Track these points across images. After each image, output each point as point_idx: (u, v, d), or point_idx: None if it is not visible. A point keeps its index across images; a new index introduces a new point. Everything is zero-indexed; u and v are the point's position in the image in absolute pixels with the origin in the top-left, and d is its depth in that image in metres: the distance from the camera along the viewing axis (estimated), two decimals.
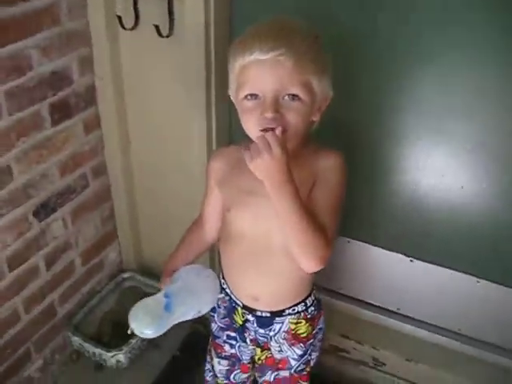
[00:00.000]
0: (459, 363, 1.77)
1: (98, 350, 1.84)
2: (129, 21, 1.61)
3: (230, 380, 1.53)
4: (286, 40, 1.04)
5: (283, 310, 1.33)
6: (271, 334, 1.37)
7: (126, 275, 2.13)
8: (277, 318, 1.34)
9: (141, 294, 2.07)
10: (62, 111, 1.65)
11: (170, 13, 1.54)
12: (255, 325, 1.36)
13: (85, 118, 1.75)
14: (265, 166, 1.02)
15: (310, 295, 1.36)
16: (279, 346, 1.38)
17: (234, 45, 1.13)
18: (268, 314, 1.33)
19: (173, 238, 1.99)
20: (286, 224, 1.08)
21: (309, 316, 1.36)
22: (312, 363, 1.46)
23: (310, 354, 1.42)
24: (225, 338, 1.45)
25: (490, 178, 1.50)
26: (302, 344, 1.38)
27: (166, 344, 2.02)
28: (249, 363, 1.50)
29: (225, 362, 1.50)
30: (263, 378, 1.47)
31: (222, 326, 1.44)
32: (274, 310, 1.33)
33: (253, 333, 1.39)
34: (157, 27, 1.56)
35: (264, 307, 1.33)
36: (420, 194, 1.61)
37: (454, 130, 1.47)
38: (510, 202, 1.51)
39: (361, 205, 1.65)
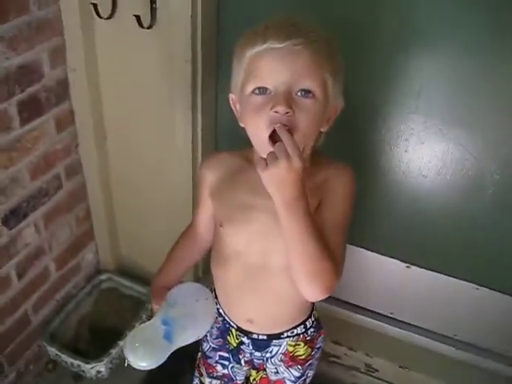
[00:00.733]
0: (454, 369, 1.73)
1: (76, 362, 1.73)
2: (105, 9, 1.46)
3: None
4: (304, 32, 0.94)
5: (281, 333, 1.23)
6: (267, 355, 1.28)
7: (103, 277, 2.01)
8: (274, 341, 1.25)
9: (119, 296, 1.99)
10: (31, 109, 1.50)
11: (152, 1, 1.39)
12: (251, 347, 1.27)
13: (57, 115, 1.60)
14: (280, 178, 0.88)
15: (310, 316, 1.27)
16: (275, 368, 1.30)
17: (243, 37, 1.00)
18: (265, 337, 1.24)
19: (152, 237, 1.92)
20: (294, 248, 0.94)
21: (308, 338, 1.27)
22: (308, 381, 1.38)
23: (307, 375, 1.34)
24: (217, 358, 1.35)
25: (494, 185, 1.43)
26: (299, 366, 1.29)
27: None
28: (242, 383, 1.41)
29: (217, 382, 1.40)
30: None
31: (215, 346, 1.34)
32: (271, 333, 1.23)
33: (248, 355, 1.30)
34: (137, 17, 1.41)
35: (260, 330, 1.23)
36: (417, 200, 1.55)
37: (457, 138, 1.40)
38: (509, 209, 1.46)
39: (356, 210, 1.56)
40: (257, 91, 0.95)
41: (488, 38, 1.24)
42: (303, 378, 1.33)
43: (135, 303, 1.96)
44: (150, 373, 1.86)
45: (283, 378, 1.31)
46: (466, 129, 1.38)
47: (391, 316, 1.81)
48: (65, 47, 1.55)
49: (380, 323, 1.80)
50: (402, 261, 1.67)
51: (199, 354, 1.44)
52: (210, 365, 1.38)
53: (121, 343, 1.76)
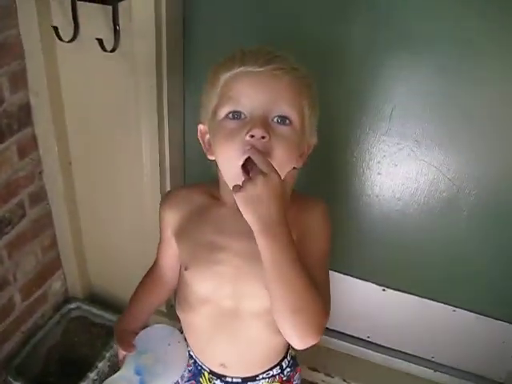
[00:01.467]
0: None
1: None
2: (67, 32, 1.41)
3: None
4: (282, 58, 0.90)
5: (256, 375, 1.16)
6: None
7: (72, 305, 1.94)
8: (249, 383, 1.17)
9: (89, 324, 1.93)
10: None
11: (115, 24, 1.35)
12: None
13: (19, 141, 1.54)
14: (257, 196, 0.79)
15: (286, 356, 1.19)
16: None
17: (217, 63, 0.94)
18: (239, 380, 1.16)
19: (121, 263, 1.87)
20: (277, 282, 0.83)
21: (284, 378, 1.19)
22: None
23: None
24: None
25: (468, 207, 1.41)
26: None
27: None
28: None
29: None
30: None
31: None
32: (246, 376, 1.16)
33: None
34: (100, 41, 1.37)
35: (234, 373, 1.15)
36: (391, 223, 1.52)
37: (431, 159, 1.38)
38: (487, 231, 1.44)
39: (332, 234, 1.53)
40: (230, 116, 0.88)
41: (458, 59, 1.23)
42: None
43: (106, 332, 1.90)
44: None
45: None
46: (439, 150, 1.36)
47: (368, 340, 1.78)
48: (26, 71, 1.49)
49: (357, 347, 1.77)
50: (377, 284, 1.64)
51: None
52: None
53: (91, 375, 1.70)
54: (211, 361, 1.15)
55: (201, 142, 1.01)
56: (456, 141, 1.34)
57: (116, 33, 1.36)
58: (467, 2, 1.16)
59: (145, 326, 1.16)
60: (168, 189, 1.60)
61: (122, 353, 1.13)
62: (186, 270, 1.06)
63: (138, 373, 1.03)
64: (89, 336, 1.91)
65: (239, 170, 0.85)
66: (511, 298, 1.52)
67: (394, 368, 1.75)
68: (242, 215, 0.89)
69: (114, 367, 1.81)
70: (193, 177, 1.67)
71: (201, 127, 0.99)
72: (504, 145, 1.31)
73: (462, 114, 1.30)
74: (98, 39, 1.37)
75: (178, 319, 1.19)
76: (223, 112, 0.89)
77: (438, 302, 1.60)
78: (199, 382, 1.21)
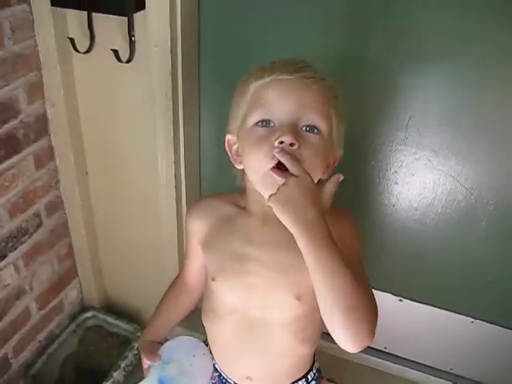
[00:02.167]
0: None
1: None
2: (83, 43, 1.43)
3: None
4: (312, 68, 0.91)
5: None
6: None
7: (88, 314, 1.95)
8: None
9: (104, 334, 1.93)
10: (8, 146, 1.45)
11: (131, 35, 1.36)
12: None
13: (36, 151, 1.55)
14: (291, 197, 0.79)
15: (311, 369, 1.18)
16: None
17: (246, 76, 0.95)
18: None
19: (137, 273, 1.87)
20: (326, 281, 0.79)
21: None
22: None
23: None
24: None
25: (487, 217, 1.38)
26: None
27: None
28: None
29: None
30: None
31: None
32: None
33: None
34: (115, 52, 1.38)
35: None
36: (408, 233, 1.50)
37: (448, 169, 1.36)
38: (506, 241, 1.41)
39: None
40: (260, 123, 0.89)
41: (476, 68, 1.21)
42: None
43: (121, 341, 1.90)
44: None
45: None
46: (456, 159, 1.34)
47: (385, 351, 1.76)
48: (42, 82, 1.51)
49: (374, 358, 1.75)
50: (394, 294, 1.62)
51: None
52: None
53: None
54: (237, 373, 1.13)
55: (228, 152, 1.00)
56: (473, 150, 1.32)
57: (131, 44, 1.37)
58: (483, 17, 1.15)
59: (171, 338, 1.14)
60: (184, 199, 1.60)
61: (146, 362, 1.11)
62: (213, 280, 1.05)
63: (161, 382, 1.02)
64: (105, 345, 1.90)
65: (269, 173, 0.85)
66: None
67: (411, 379, 1.72)
68: (269, 225, 0.94)
69: (130, 377, 1.81)
70: (208, 187, 1.67)
71: (229, 137, 0.99)
72: None
73: (479, 124, 1.28)
74: (113, 50, 1.38)
75: (200, 330, 1.18)
76: (252, 120, 0.90)
77: (456, 312, 1.57)
78: None
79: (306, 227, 0.79)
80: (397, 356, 1.75)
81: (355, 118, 1.36)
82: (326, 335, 1.70)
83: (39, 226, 1.65)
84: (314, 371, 1.19)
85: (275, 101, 0.88)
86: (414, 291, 1.60)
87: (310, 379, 1.17)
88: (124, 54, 1.39)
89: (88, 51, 1.44)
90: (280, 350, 1.06)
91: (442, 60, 1.23)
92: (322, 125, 0.89)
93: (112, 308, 2.00)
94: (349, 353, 1.75)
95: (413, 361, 1.73)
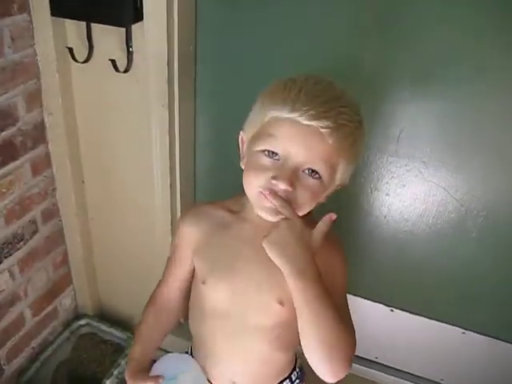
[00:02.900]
0: None
1: None
2: (81, 53, 1.45)
3: None
4: (336, 113, 0.87)
5: None
6: None
7: (81, 322, 1.96)
8: None
9: (98, 341, 1.94)
10: (6, 153, 1.47)
11: (128, 46, 1.38)
12: None
13: (33, 159, 1.57)
14: (282, 240, 0.86)
15: (294, 368, 1.21)
16: None
17: (274, 87, 0.93)
18: None
19: (131, 280, 1.88)
20: (312, 320, 0.86)
21: None
22: None
23: None
24: None
25: (477, 228, 1.41)
26: None
27: None
28: None
29: None
30: None
31: None
32: None
33: None
34: (113, 62, 1.40)
35: None
36: (399, 243, 1.52)
37: (438, 180, 1.38)
38: (497, 252, 1.43)
39: None
40: (266, 153, 0.90)
41: (469, 79, 1.24)
42: None
43: (114, 349, 1.91)
44: None
45: None
46: (446, 171, 1.36)
47: (376, 361, 1.77)
48: (41, 91, 1.53)
49: (365, 368, 1.76)
50: (385, 305, 1.64)
51: None
52: None
53: None
54: (221, 377, 1.15)
55: (240, 147, 1.02)
56: (464, 162, 1.34)
57: (129, 54, 1.40)
58: (479, 30, 1.17)
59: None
60: (178, 208, 1.62)
61: None
62: (203, 283, 1.07)
63: None
64: (98, 353, 1.91)
65: (260, 195, 0.90)
66: None
67: None
68: (259, 231, 0.94)
69: None
70: (203, 195, 1.69)
71: (242, 135, 1.01)
72: None
73: (469, 136, 1.31)
74: (111, 60, 1.40)
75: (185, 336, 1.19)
76: (260, 147, 0.91)
77: (447, 323, 1.58)
78: None
79: (295, 268, 0.84)
80: (387, 366, 1.76)
81: None
82: None
83: (35, 232, 1.66)
84: (297, 370, 1.22)
85: (286, 141, 0.88)
86: (406, 301, 1.61)
87: (293, 378, 1.21)
88: (122, 64, 1.41)
89: (86, 61, 1.46)
90: (259, 354, 1.09)
91: (433, 74, 1.25)
92: (324, 173, 0.90)
93: (106, 316, 2.01)
94: None
95: (403, 371, 1.74)
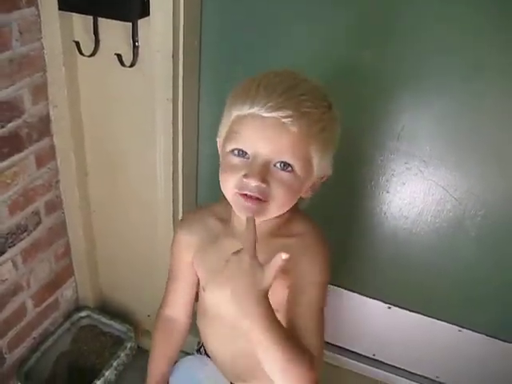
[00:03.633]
0: None
1: None
2: (88, 47, 1.47)
3: None
4: (296, 101, 0.87)
5: None
6: None
7: (82, 314, 1.97)
8: None
9: (98, 333, 1.96)
10: (11, 144, 1.49)
11: (134, 41, 1.40)
12: None
13: (38, 151, 1.59)
14: (233, 277, 0.84)
15: None
16: None
17: (236, 89, 0.94)
18: None
19: (132, 273, 1.90)
20: (264, 356, 0.86)
21: None
22: None
23: None
24: None
25: (476, 227, 1.42)
26: None
27: None
28: None
29: None
30: None
31: None
32: None
33: None
34: (119, 56, 1.42)
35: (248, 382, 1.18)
36: (398, 241, 1.53)
37: (438, 179, 1.40)
38: (495, 251, 1.45)
39: (338, 251, 1.55)
40: (235, 152, 0.91)
41: (470, 78, 1.25)
42: None
43: (114, 341, 1.93)
44: None
45: None
46: (446, 170, 1.38)
47: (373, 357, 1.78)
48: (47, 84, 1.54)
49: (362, 365, 1.77)
50: (383, 302, 1.65)
51: None
52: None
53: (97, 382, 1.72)
54: (231, 375, 1.17)
55: (220, 154, 1.03)
56: (463, 161, 1.36)
57: (135, 49, 1.41)
58: (478, 29, 1.19)
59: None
60: (181, 201, 1.64)
61: None
62: (203, 290, 1.11)
63: None
64: (98, 345, 1.93)
65: (236, 196, 0.91)
66: None
67: None
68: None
69: (121, 376, 1.84)
70: (205, 190, 1.71)
71: (219, 141, 1.02)
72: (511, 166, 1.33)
73: (469, 135, 1.32)
74: (117, 54, 1.42)
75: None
76: (229, 147, 0.92)
77: (444, 321, 1.60)
78: None
79: (242, 311, 0.83)
80: (384, 363, 1.77)
81: (348, 127, 1.41)
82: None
83: (38, 223, 1.68)
84: None
85: (250, 137, 0.89)
86: (403, 299, 1.63)
87: None
88: (127, 59, 1.43)
89: (92, 55, 1.48)
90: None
91: (432, 72, 1.27)
92: (296, 164, 0.89)
93: (106, 308, 2.03)
94: (337, 358, 1.78)
95: (400, 368, 1.76)
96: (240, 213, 0.94)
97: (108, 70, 1.50)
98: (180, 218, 1.64)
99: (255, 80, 0.91)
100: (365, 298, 1.66)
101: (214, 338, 1.17)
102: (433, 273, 1.54)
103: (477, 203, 1.39)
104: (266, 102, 0.86)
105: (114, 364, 1.79)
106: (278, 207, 0.92)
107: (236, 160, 0.91)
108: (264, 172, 0.88)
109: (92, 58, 1.49)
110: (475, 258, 1.48)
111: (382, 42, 1.28)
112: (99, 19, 1.42)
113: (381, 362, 1.78)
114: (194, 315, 1.25)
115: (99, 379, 1.73)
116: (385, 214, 1.50)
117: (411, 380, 1.73)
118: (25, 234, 1.63)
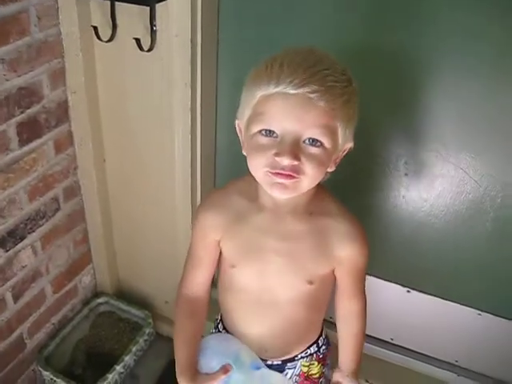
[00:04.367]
0: None
1: None
2: (105, 32, 1.47)
3: None
4: (321, 76, 0.87)
5: (295, 356, 1.23)
6: None
7: (100, 300, 1.99)
8: (289, 364, 1.24)
9: (116, 319, 1.97)
10: (30, 130, 1.49)
11: (152, 25, 1.40)
12: None
13: (56, 137, 1.60)
14: None
15: (321, 335, 1.28)
16: None
17: (257, 70, 0.93)
18: (279, 362, 1.23)
19: (150, 261, 1.91)
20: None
21: (321, 356, 1.28)
22: None
23: None
24: None
25: (495, 209, 1.41)
26: None
27: (144, 374, 1.89)
28: None
29: None
30: None
31: None
32: (285, 358, 1.23)
33: None
34: (137, 40, 1.42)
35: (274, 356, 1.22)
36: (417, 224, 1.53)
37: (457, 161, 1.39)
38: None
39: None
40: (263, 132, 0.91)
41: (491, 59, 1.24)
42: None
43: (132, 327, 1.94)
44: None
45: None
46: (466, 152, 1.37)
47: (392, 342, 1.78)
48: (65, 69, 1.55)
49: (380, 349, 1.78)
50: (402, 285, 1.65)
51: None
52: None
53: (117, 367, 1.74)
54: (252, 344, 1.18)
55: (239, 135, 1.03)
56: (483, 143, 1.35)
57: (153, 33, 1.41)
58: (506, 15, 1.17)
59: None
60: (199, 187, 1.64)
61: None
62: (232, 267, 1.12)
63: (257, 367, 1.12)
64: (116, 331, 1.95)
65: (268, 174, 0.92)
66: None
67: (416, 371, 1.75)
68: (281, 220, 1.04)
69: (140, 361, 1.86)
70: (223, 175, 1.71)
71: (238, 123, 1.02)
72: None
73: (489, 117, 1.31)
74: (135, 39, 1.42)
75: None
76: (255, 128, 0.92)
77: (463, 305, 1.59)
78: None
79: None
80: (402, 347, 1.77)
81: (366, 109, 1.40)
82: (332, 325, 1.77)
83: (57, 210, 1.69)
84: (323, 337, 1.29)
85: (278, 116, 0.89)
86: (422, 282, 1.62)
87: (320, 344, 1.28)
88: (145, 43, 1.42)
89: (110, 40, 1.47)
90: (292, 321, 1.15)
91: (453, 54, 1.26)
92: (324, 139, 0.90)
93: (124, 294, 2.04)
94: None
95: (418, 352, 1.75)
96: (272, 191, 0.95)
97: (126, 55, 1.50)
98: (199, 201, 1.65)
99: (276, 59, 0.91)
100: (384, 281, 1.65)
101: (238, 311, 1.19)
102: (451, 256, 1.54)
103: (496, 185, 1.38)
104: (291, 80, 0.86)
105: (134, 349, 1.81)
106: (309, 182, 0.94)
107: (264, 140, 0.91)
108: (295, 149, 0.88)
109: (110, 43, 1.48)
110: (494, 240, 1.46)
111: (404, 24, 1.27)
112: (116, 4, 1.42)
113: (399, 346, 1.78)
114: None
115: (119, 364, 1.75)
116: (403, 197, 1.50)
117: (430, 364, 1.73)
118: (44, 220, 1.64)
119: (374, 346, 1.77)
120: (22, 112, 1.44)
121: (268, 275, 1.09)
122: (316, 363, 1.27)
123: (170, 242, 1.77)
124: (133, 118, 1.62)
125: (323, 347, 1.28)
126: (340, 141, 0.94)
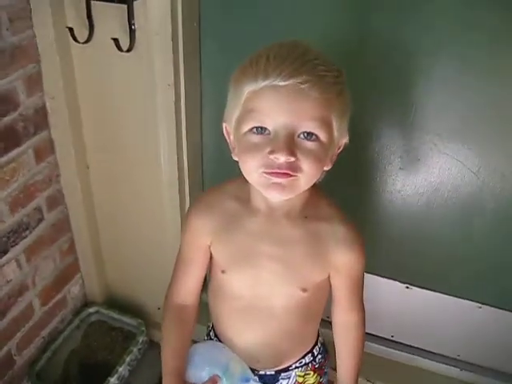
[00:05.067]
0: None
1: None
2: (82, 33, 1.40)
3: None
4: (310, 66, 0.83)
5: (289, 366, 1.18)
6: None
7: (91, 310, 1.93)
8: (282, 374, 1.19)
9: (108, 329, 1.92)
10: (8, 139, 1.43)
11: (131, 24, 1.33)
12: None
13: (36, 145, 1.53)
14: None
15: (316, 343, 1.22)
16: None
17: (241, 66, 0.89)
18: (272, 372, 1.18)
19: (139, 266, 1.86)
20: None
21: (317, 366, 1.22)
22: None
23: None
24: None
25: (494, 201, 1.38)
26: None
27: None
28: None
29: None
30: None
31: None
32: (279, 368, 1.18)
33: None
34: (116, 41, 1.36)
35: (267, 366, 1.17)
36: (414, 219, 1.50)
37: (454, 153, 1.35)
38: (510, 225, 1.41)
39: None
40: (254, 130, 0.86)
41: (484, 49, 1.20)
42: None
43: (125, 336, 1.89)
44: None
45: None
46: (462, 143, 1.33)
47: (392, 339, 1.76)
48: (41, 74, 1.48)
49: (381, 347, 1.75)
50: (401, 282, 1.62)
51: None
52: None
53: (111, 379, 1.69)
54: (244, 356, 1.14)
55: (227, 140, 0.98)
56: (480, 134, 1.31)
57: (131, 32, 1.35)
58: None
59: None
60: (187, 191, 1.59)
61: None
62: (223, 273, 1.06)
63: (246, 380, 1.09)
64: (108, 340, 1.89)
65: (263, 175, 0.87)
66: None
67: (418, 367, 1.73)
68: (275, 224, 0.99)
69: (134, 371, 1.80)
70: (211, 177, 1.66)
71: (226, 126, 0.96)
72: None
73: (485, 106, 1.27)
74: (113, 39, 1.35)
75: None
76: (246, 127, 0.87)
77: (463, 298, 1.57)
78: None
79: None
80: (404, 344, 1.75)
81: (359, 103, 1.35)
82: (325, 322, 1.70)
83: (40, 220, 1.62)
84: (319, 345, 1.24)
85: (269, 111, 0.84)
86: (421, 278, 1.60)
87: (316, 353, 1.22)
88: (124, 43, 1.36)
89: (87, 41, 1.41)
90: (285, 329, 1.10)
91: (447, 45, 1.22)
92: (320, 132, 0.86)
93: (115, 303, 1.98)
94: None
95: (420, 348, 1.73)
96: (269, 193, 0.90)
97: (104, 56, 1.44)
98: (188, 204, 1.60)
99: (261, 54, 0.86)
100: (382, 278, 1.63)
101: (230, 320, 1.14)
102: (450, 249, 1.51)
103: (495, 176, 1.35)
104: (280, 71, 0.82)
105: (127, 359, 1.75)
106: (307, 180, 0.88)
107: (256, 138, 0.86)
108: (291, 145, 0.83)
109: (87, 44, 1.42)
110: (493, 232, 1.44)
111: (394, 9, 1.22)
112: (92, 3, 1.35)
113: (400, 343, 1.75)
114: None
115: (113, 376, 1.69)
116: (399, 191, 1.46)
117: (432, 360, 1.72)
118: (27, 231, 1.58)
119: (375, 344, 1.74)
120: None
121: (260, 281, 1.03)
122: (312, 373, 1.22)
123: (159, 248, 1.71)
124: (115, 122, 1.56)
125: (319, 356, 1.23)
126: (335, 134, 0.89)
